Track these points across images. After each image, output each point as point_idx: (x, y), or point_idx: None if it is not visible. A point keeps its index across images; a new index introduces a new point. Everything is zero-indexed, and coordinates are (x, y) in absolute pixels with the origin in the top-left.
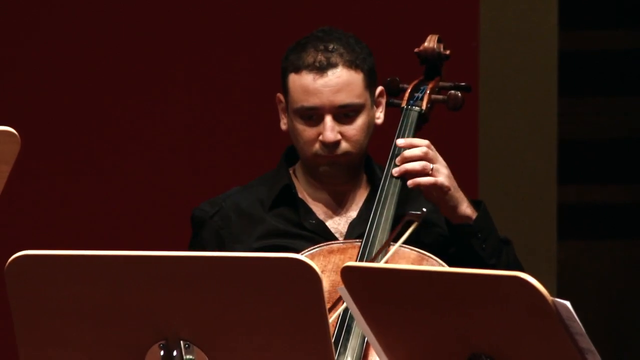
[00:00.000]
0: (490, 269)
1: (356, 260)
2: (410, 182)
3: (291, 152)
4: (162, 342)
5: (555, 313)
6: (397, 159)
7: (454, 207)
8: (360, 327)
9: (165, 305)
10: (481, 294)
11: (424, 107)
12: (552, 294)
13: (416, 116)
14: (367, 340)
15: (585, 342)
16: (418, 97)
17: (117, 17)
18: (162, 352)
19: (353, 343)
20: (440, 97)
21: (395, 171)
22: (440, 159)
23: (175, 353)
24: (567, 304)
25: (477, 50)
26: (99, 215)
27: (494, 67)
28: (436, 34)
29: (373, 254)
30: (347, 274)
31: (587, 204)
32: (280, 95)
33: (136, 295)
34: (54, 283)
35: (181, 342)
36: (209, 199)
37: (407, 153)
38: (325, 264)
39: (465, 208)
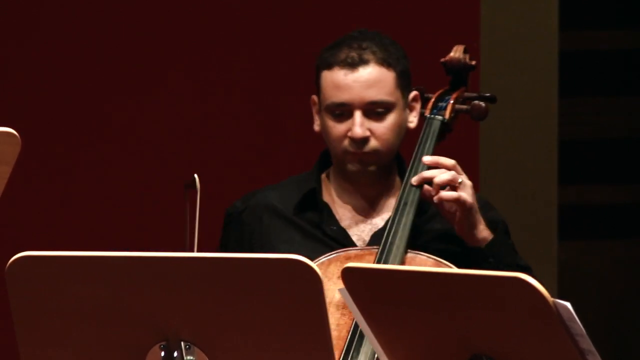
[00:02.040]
0: None
1: None
2: (436, 198)
3: (325, 156)
4: (163, 342)
5: (556, 314)
6: (426, 173)
7: (471, 228)
8: (361, 328)
9: (165, 306)
10: (482, 295)
11: (447, 116)
12: (552, 295)
13: (439, 125)
14: None
15: (586, 343)
16: (442, 106)
17: (117, 17)
18: (162, 353)
19: (366, 348)
20: (464, 107)
21: (414, 180)
22: (465, 176)
23: (176, 354)
24: (568, 305)
25: (478, 50)
26: (100, 216)
27: (494, 68)
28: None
29: (389, 261)
30: (348, 275)
31: (588, 204)
32: (314, 97)
33: (137, 296)
34: (54, 284)
35: (182, 342)
36: (243, 195)
37: (441, 161)
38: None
39: (482, 231)
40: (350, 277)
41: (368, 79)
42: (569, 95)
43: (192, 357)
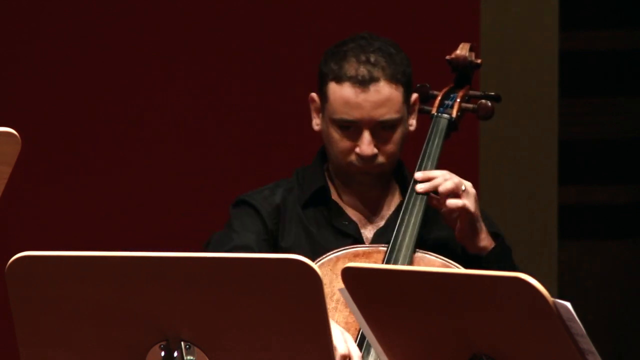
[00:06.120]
0: None
1: None
2: (443, 209)
3: (324, 152)
4: (163, 342)
5: (556, 314)
6: (431, 183)
7: (473, 236)
8: (361, 328)
9: (166, 305)
10: (482, 295)
11: (454, 114)
12: (552, 295)
13: (446, 124)
14: None
15: (586, 343)
16: (448, 104)
17: (117, 17)
18: (162, 353)
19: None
20: (470, 105)
21: (419, 189)
22: (470, 184)
23: (176, 354)
24: (568, 304)
25: (478, 50)
26: (100, 215)
27: (494, 68)
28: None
29: (399, 260)
30: (348, 274)
31: (588, 204)
32: (314, 96)
33: (137, 296)
34: (54, 284)
35: (182, 342)
36: (247, 193)
37: (431, 174)
38: None
39: (483, 239)
40: (350, 277)
41: (379, 99)
42: (569, 96)
43: (192, 357)
